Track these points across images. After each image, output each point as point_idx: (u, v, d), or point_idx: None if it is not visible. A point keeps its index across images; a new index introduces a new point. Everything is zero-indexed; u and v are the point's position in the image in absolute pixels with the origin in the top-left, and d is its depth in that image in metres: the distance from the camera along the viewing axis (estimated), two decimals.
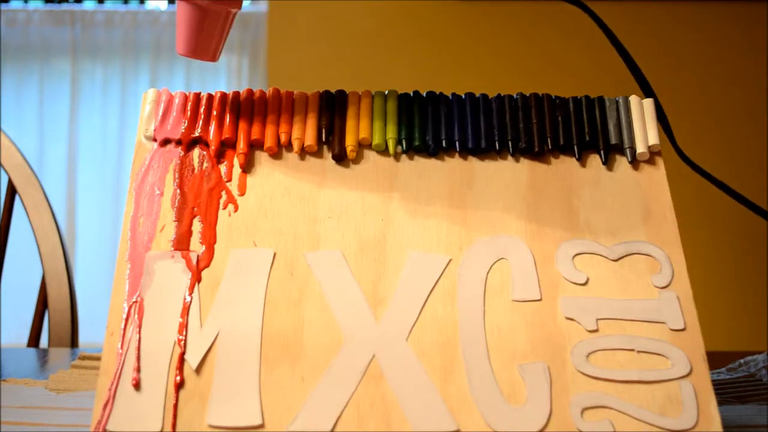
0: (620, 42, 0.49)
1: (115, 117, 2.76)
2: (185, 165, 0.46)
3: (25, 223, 0.96)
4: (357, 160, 0.47)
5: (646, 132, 0.47)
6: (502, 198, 0.45)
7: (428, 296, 0.41)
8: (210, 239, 0.43)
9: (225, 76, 2.84)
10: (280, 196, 0.45)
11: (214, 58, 0.46)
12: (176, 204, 0.44)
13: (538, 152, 0.47)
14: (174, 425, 0.37)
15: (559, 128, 0.48)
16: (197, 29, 0.45)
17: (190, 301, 0.41)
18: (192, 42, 0.45)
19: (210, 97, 0.48)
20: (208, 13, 0.45)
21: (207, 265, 0.42)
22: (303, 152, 0.47)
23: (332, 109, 0.48)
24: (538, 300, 0.42)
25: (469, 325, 0.41)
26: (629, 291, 0.42)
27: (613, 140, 0.47)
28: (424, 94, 0.49)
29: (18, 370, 0.63)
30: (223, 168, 0.46)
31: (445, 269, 0.43)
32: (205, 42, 0.46)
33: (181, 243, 0.43)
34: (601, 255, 0.43)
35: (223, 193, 0.45)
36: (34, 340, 0.94)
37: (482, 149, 0.47)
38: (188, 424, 0.37)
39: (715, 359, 0.57)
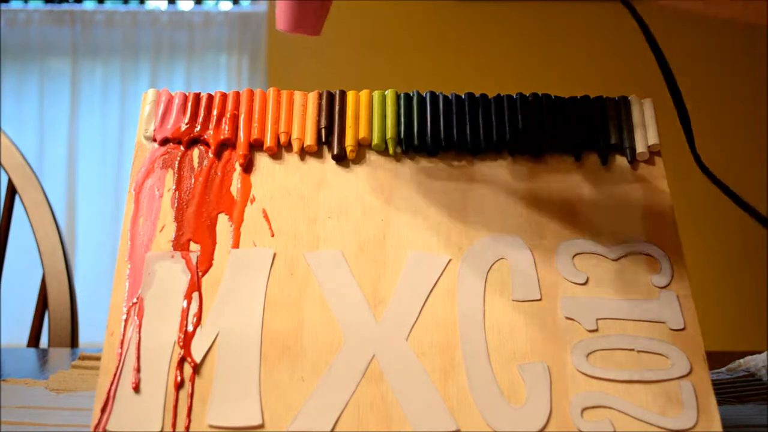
0: (657, 44, 0.47)
1: (115, 117, 2.77)
2: (185, 165, 0.46)
3: (25, 223, 0.96)
4: (357, 160, 0.47)
5: (645, 132, 0.47)
6: (502, 198, 0.45)
7: (428, 296, 0.41)
8: (210, 239, 0.43)
9: (225, 76, 2.84)
10: (280, 196, 0.45)
11: (315, 31, 0.45)
12: (176, 204, 0.44)
13: (537, 152, 0.47)
14: (174, 425, 0.37)
15: (558, 128, 0.48)
16: (299, 3, 0.43)
17: (190, 301, 0.41)
18: (294, 16, 0.44)
19: (210, 97, 0.48)
20: None
21: (207, 266, 0.42)
22: (303, 152, 0.47)
23: (332, 109, 0.48)
24: (538, 300, 0.42)
25: (469, 325, 0.41)
26: (629, 291, 0.42)
27: (613, 140, 0.47)
28: (424, 94, 0.49)
29: (18, 370, 0.63)
30: (222, 168, 0.46)
31: (445, 269, 0.43)
32: (308, 15, 0.44)
33: (181, 243, 0.43)
34: (601, 255, 0.43)
35: (223, 193, 0.45)
36: (34, 340, 0.94)
37: (482, 149, 0.47)
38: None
39: (715, 359, 0.56)
